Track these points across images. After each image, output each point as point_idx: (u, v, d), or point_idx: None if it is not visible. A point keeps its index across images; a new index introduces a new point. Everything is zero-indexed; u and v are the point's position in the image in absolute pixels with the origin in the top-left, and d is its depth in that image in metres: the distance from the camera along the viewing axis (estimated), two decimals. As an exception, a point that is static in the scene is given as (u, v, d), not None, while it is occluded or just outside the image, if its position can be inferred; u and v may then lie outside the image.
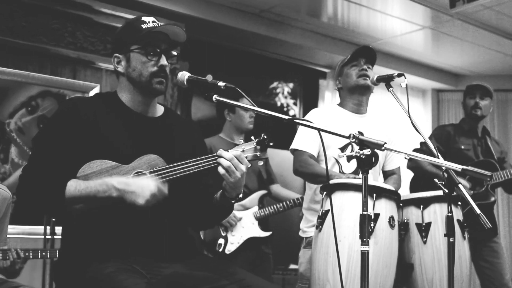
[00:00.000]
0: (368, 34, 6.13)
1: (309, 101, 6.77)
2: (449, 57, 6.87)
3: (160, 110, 2.37)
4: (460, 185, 2.44)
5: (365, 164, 2.08)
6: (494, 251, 3.97)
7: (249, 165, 2.16)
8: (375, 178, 3.25)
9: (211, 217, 2.43)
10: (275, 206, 4.11)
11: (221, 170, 2.12)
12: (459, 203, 2.94)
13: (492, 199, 3.92)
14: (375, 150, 2.06)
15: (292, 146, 3.24)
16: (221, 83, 2.15)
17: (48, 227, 3.73)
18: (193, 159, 2.13)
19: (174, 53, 2.29)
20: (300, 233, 3.30)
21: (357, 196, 2.60)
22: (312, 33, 6.15)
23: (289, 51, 6.29)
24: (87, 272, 2.01)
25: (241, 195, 2.25)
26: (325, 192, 2.78)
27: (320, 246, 2.67)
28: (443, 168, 2.42)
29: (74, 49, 4.51)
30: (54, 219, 3.65)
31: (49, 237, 3.67)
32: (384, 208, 2.67)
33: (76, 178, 2.07)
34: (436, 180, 2.59)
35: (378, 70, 3.25)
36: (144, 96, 2.26)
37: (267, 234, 4.11)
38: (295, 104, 6.89)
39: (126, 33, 2.25)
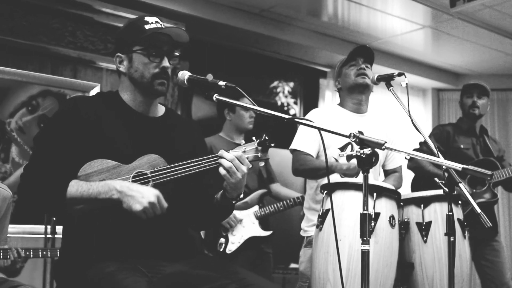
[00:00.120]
0: (368, 33, 6.13)
1: (310, 101, 6.77)
2: (450, 56, 6.87)
3: (161, 110, 2.37)
4: (460, 184, 2.44)
5: (365, 164, 2.08)
6: (495, 250, 3.97)
7: (250, 166, 2.16)
8: (375, 177, 3.25)
9: (211, 217, 2.43)
10: (275, 205, 4.12)
11: (222, 170, 2.12)
12: (460, 202, 2.94)
13: (494, 197, 3.92)
14: (375, 149, 2.06)
15: (292, 146, 3.25)
16: (221, 83, 2.15)
17: (48, 226, 3.74)
18: (194, 159, 2.13)
19: (176, 53, 2.29)
20: (301, 232, 3.31)
21: (358, 195, 2.61)
22: (313, 32, 6.16)
23: (290, 50, 6.29)
24: (88, 271, 2.01)
25: (241, 195, 2.25)
26: (325, 191, 2.79)
27: (320, 245, 2.67)
28: (444, 167, 2.42)
29: (75, 48, 4.51)
30: (54, 219, 3.65)
31: (50, 236, 3.67)
32: (385, 207, 2.67)
33: (77, 177, 2.07)
34: (436, 179, 2.59)
35: (378, 70, 3.26)
36: (146, 96, 2.26)
37: (268, 233, 4.11)
38: (295, 103, 6.90)
39: (129, 33, 2.24)
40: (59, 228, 3.60)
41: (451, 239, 2.47)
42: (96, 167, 2.08)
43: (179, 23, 4.71)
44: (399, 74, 2.82)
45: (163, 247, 2.15)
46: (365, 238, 2.07)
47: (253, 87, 6.48)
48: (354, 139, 2.06)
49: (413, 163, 4.02)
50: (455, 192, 2.53)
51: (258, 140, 2.19)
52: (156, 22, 2.24)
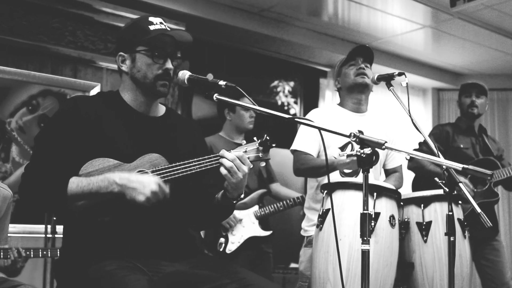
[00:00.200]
0: (368, 33, 6.13)
1: (310, 100, 6.77)
2: (450, 56, 6.87)
3: (161, 109, 2.37)
4: (460, 184, 2.44)
5: (365, 163, 2.08)
6: (495, 250, 3.97)
7: (251, 166, 2.16)
8: (376, 177, 3.25)
9: (212, 217, 2.43)
10: (275, 205, 4.12)
11: (223, 170, 2.12)
12: (460, 202, 2.94)
13: (495, 197, 3.92)
14: (376, 149, 2.06)
15: (293, 147, 3.25)
16: (221, 82, 2.15)
17: (49, 226, 3.73)
18: (195, 159, 2.13)
19: (179, 55, 2.29)
20: (302, 232, 3.31)
21: (358, 195, 2.61)
22: (313, 32, 6.16)
23: (290, 50, 6.29)
24: (89, 270, 2.01)
25: (242, 195, 2.25)
26: (325, 191, 2.79)
27: (320, 245, 2.67)
28: (444, 167, 2.42)
29: (75, 48, 4.51)
30: (55, 218, 3.65)
31: (50, 236, 3.67)
32: (385, 207, 2.67)
33: (78, 176, 2.07)
34: (436, 179, 2.59)
35: (378, 69, 3.26)
36: (147, 97, 2.27)
37: (268, 233, 4.11)
38: (295, 103, 6.89)
39: (132, 32, 2.24)
40: (59, 228, 3.60)
41: (451, 239, 2.47)
42: (97, 166, 2.08)
43: (179, 23, 4.71)
44: (399, 74, 2.82)
45: (163, 247, 2.15)
46: (365, 238, 2.07)
47: (253, 87, 6.48)
48: (354, 139, 2.06)
49: (413, 163, 4.02)
50: (455, 192, 2.53)
51: (259, 140, 2.19)
52: (161, 23, 2.24)
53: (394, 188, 2.80)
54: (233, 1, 5.42)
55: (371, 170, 2.12)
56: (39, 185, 2.06)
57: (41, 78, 4.38)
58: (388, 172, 3.38)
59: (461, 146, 4.08)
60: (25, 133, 4.30)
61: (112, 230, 2.08)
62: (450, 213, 2.49)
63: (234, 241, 3.95)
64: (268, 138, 2.18)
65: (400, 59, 6.86)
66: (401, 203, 2.88)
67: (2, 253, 3.01)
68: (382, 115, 3.43)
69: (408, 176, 4.04)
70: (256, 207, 4.09)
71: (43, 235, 3.76)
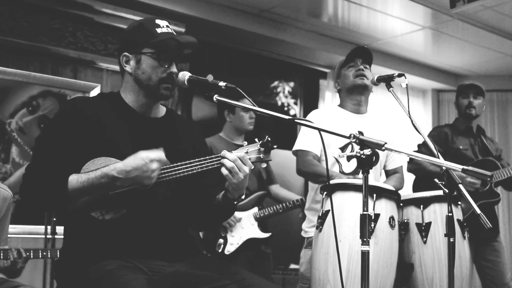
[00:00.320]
0: (368, 34, 6.13)
1: (310, 101, 6.78)
2: (449, 57, 6.88)
3: (162, 110, 2.37)
4: (460, 185, 2.45)
5: (365, 164, 2.08)
6: (496, 250, 3.96)
7: (253, 167, 2.17)
8: (376, 178, 3.25)
9: (212, 218, 2.43)
10: (274, 207, 4.12)
11: (224, 171, 2.12)
12: (459, 202, 2.94)
13: (496, 197, 3.93)
14: (376, 150, 2.07)
15: (295, 147, 3.25)
16: (221, 83, 2.15)
17: (49, 227, 3.73)
18: (196, 159, 2.14)
19: (183, 60, 2.31)
20: (302, 233, 3.31)
21: (357, 196, 2.61)
22: (313, 33, 6.16)
23: (290, 51, 6.30)
24: (89, 271, 2.02)
25: (243, 196, 2.25)
26: (325, 192, 2.79)
27: (320, 246, 2.67)
28: (443, 168, 2.43)
29: (75, 49, 4.51)
30: (55, 218, 3.65)
31: (50, 236, 3.67)
32: (384, 208, 2.68)
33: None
34: (436, 180, 2.59)
35: (378, 70, 3.27)
36: (149, 98, 2.27)
37: (267, 235, 4.11)
38: (295, 103, 6.90)
39: (139, 34, 2.24)
40: (59, 229, 3.60)
41: (451, 240, 2.47)
42: (99, 164, 2.09)
43: (180, 24, 4.72)
44: (399, 75, 2.83)
45: (163, 247, 2.15)
46: (365, 239, 2.07)
47: (253, 88, 6.48)
48: (354, 140, 2.06)
49: (413, 165, 4.02)
50: (455, 193, 2.53)
51: (260, 142, 2.19)
52: (167, 26, 2.25)
53: (393, 189, 2.80)
54: (234, 2, 5.43)
55: (371, 171, 2.13)
56: (40, 184, 2.07)
57: (41, 79, 4.37)
58: (388, 173, 3.38)
59: (460, 147, 4.09)
60: (25, 134, 4.30)
61: (112, 230, 2.08)
62: (450, 214, 2.49)
63: (233, 242, 3.95)
64: (269, 139, 2.19)
65: (400, 60, 6.86)
66: (401, 204, 2.88)
67: (2, 254, 3.01)
68: (382, 116, 3.43)
69: (409, 177, 4.05)
70: (255, 209, 4.09)
71: (43, 236, 3.76)
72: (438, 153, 2.60)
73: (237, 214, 4.00)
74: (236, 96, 2.51)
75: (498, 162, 4.04)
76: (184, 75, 2.23)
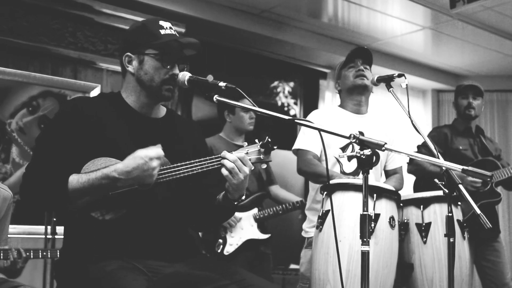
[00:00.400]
0: (368, 34, 6.13)
1: (310, 101, 6.78)
2: (449, 57, 6.88)
3: (162, 111, 2.38)
4: (460, 186, 2.45)
5: (365, 164, 2.08)
6: (496, 250, 3.96)
7: (253, 168, 2.17)
8: (377, 178, 3.25)
9: (212, 218, 2.43)
10: (274, 209, 4.12)
11: (224, 171, 2.12)
12: (459, 203, 2.94)
13: (497, 197, 3.93)
14: (376, 150, 2.07)
15: (295, 146, 3.26)
16: (221, 83, 2.15)
17: (49, 227, 3.73)
18: (197, 160, 2.14)
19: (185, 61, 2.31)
20: (303, 233, 3.31)
21: (358, 196, 2.61)
22: (313, 33, 6.16)
23: (290, 51, 6.30)
24: (89, 271, 2.02)
25: (243, 197, 2.26)
26: (325, 192, 2.79)
27: (320, 246, 2.67)
28: (443, 168, 2.43)
29: (75, 49, 4.52)
30: (55, 219, 3.65)
31: (50, 237, 3.67)
32: (385, 208, 2.68)
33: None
34: (436, 180, 2.60)
35: (378, 71, 3.27)
36: (151, 99, 2.28)
37: (266, 236, 4.10)
38: (295, 103, 6.90)
39: (142, 34, 2.24)
40: (59, 229, 3.60)
41: (451, 240, 2.47)
42: (99, 165, 2.09)
43: (180, 24, 4.72)
44: (399, 75, 2.83)
45: (163, 247, 2.15)
46: (365, 239, 2.07)
47: (253, 88, 6.49)
48: (354, 140, 2.06)
49: (413, 166, 4.02)
50: (455, 193, 2.53)
51: (261, 143, 2.19)
52: (170, 27, 2.26)
53: (393, 189, 2.80)
54: (233, 2, 5.43)
55: (371, 171, 2.13)
56: (40, 184, 2.07)
57: (41, 79, 4.38)
58: (388, 174, 3.38)
59: (460, 147, 4.09)
60: (25, 134, 4.30)
61: (112, 230, 2.09)
62: (450, 214, 2.49)
63: (232, 243, 3.95)
64: (269, 140, 2.19)
65: (400, 60, 6.86)
66: (401, 204, 2.89)
67: (2, 254, 3.01)
68: (382, 116, 3.44)
69: (409, 177, 4.05)
70: (255, 210, 4.09)
71: (43, 236, 3.76)
72: (438, 154, 2.60)
73: (237, 214, 3.99)
74: (236, 97, 2.51)
75: (498, 161, 4.04)
76: (184, 76, 2.24)
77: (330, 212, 2.54)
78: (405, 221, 2.87)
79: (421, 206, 2.86)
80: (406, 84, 2.69)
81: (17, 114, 4.28)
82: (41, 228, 3.85)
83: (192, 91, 5.55)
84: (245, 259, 3.98)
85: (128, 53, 2.25)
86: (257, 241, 4.06)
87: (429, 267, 2.77)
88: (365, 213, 2.09)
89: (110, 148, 2.13)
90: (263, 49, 6.21)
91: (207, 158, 2.15)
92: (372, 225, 2.58)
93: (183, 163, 2.13)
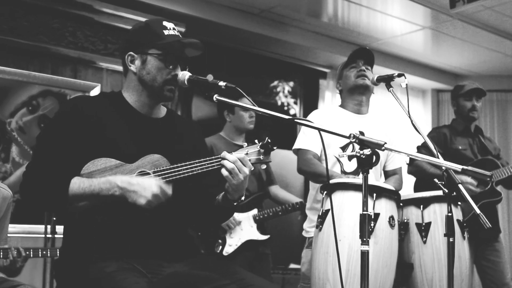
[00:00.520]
0: (368, 34, 6.14)
1: (309, 101, 6.78)
2: (449, 57, 6.88)
3: (163, 111, 2.38)
4: (460, 185, 2.45)
5: (365, 164, 2.08)
6: (496, 250, 3.97)
7: (253, 168, 2.17)
8: (377, 178, 3.26)
9: (212, 218, 2.44)
10: (274, 209, 4.11)
11: (224, 172, 2.13)
12: (459, 203, 2.94)
13: (498, 196, 3.93)
14: (376, 150, 2.07)
15: (296, 146, 3.26)
16: (221, 83, 2.15)
17: (48, 226, 3.73)
18: (197, 160, 2.14)
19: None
20: (303, 233, 3.32)
21: (357, 196, 2.61)
22: (312, 33, 6.16)
23: (289, 51, 6.30)
24: (88, 271, 2.02)
25: (243, 198, 2.26)
26: (325, 192, 2.79)
27: (320, 246, 2.67)
28: (443, 168, 2.43)
29: (75, 48, 4.52)
30: (55, 218, 3.66)
31: (50, 236, 3.67)
32: (384, 207, 2.68)
33: (80, 175, 2.08)
34: (436, 180, 2.60)
35: (378, 70, 3.27)
36: (152, 99, 2.28)
37: (265, 237, 4.09)
38: (295, 103, 6.90)
39: (146, 35, 2.25)
40: (59, 228, 3.60)
41: (451, 240, 2.47)
42: (99, 165, 2.09)
43: (180, 24, 4.72)
44: (399, 75, 2.83)
45: (163, 247, 2.15)
46: (364, 239, 2.07)
47: (253, 87, 6.49)
48: (354, 140, 2.06)
49: (413, 167, 4.02)
50: (455, 193, 2.53)
51: (260, 143, 2.19)
52: (173, 28, 2.27)
53: (393, 189, 2.80)
54: (233, 2, 5.43)
55: (372, 171, 2.13)
56: (41, 184, 2.07)
57: (41, 78, 4.38)
58: (387, 174, 3.38)
59: (459, 147, 4.09)
60: (25, 134, 4.30)
61: (112, 231, 2.09)
62: (450, 214, 2.49)
63: (232, 243, 3.95)
64: (269, 140, 2.19)
65: (400, 60, 6.86)
66: (401, 204, 2.89)
67: (1, 253, 3.01)
68: (383, 116, 3.44)
69: (409, 178, 4.05)
70: (255, 211, 4.09)
71: (43, 235, 3.76)
72: (438, 154, 2.60)
73: (237, 217, 3.99)
74: (236, 96, 2.51)
75: (497, 161, 4.05)
76: (184, 75, 2.24)
77: (330, 211, 2.54)
78: (405, 221, 2.87)
79: (421, 206, 2.86)
80: (406, 84, 2.69)
81: (17, 113, 4.28)
82: (40, 227, 3.85)
83: (192, 90, 5.55)
84: (245, 259, 3.98)
85: (131, 53, 2.25)
86: (256, 241, 4.05)
87: (429, 267, 2.77)
88: (364, 212, 2.09)
89: (110, 148, 2.13)
90: (263, 48, 6.21)
91: (207, 158, 2.15)
92: (372, 224, 2.58)
93: (183, 164, 2.13)
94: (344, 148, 3.15)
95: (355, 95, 3.30)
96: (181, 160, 2.14)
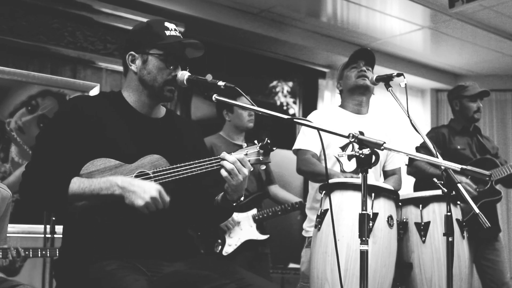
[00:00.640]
0: (367, 34, 6.14)
1: (309, 101, 6.78)
2: (448, 57, 6.88)
3: (162, 111, 2.38)
4: (459, 185, 2.45)
5: (364, 164, 2.08)
6: (496, 250, 3.97)
7: (252, 169, 2.18)
8: (376, 178, 3.26)
9: (211, 218, 2.44)
10: (273, 209, 4.11)
11: (223, 172, 2.13)
12: (458, 202, 2.94)
13: (498, 195, 3.93)
14: (375, 149, 2.07)
15: (295, 146, 3.27)
16: (220, 83, 2.16)
17: (48, 226, 3.74)
18: (196, 161, 2.14)
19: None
20: (303, 233, 3.32)
21: (356, 196, 2.61)
22: (312, 33, 6.16)
23: (289, 51, 6.30)
24: (88, 270, 2.02)
25: (242, 198, 2.26)
26: (324, 191, 2.79)
27: (319, 245, 2.67)
28: (442, 167, 2.43)
29: (74, 48, 4.52)
30: (54, 218, 3.66)
31: (49, 236, 3.68)
32: (383, 207, 2.68)
33: (79, 175, 2.08)
34: (435, 179, 2.60)
35: (377, 70, 3.27)
36: (152, 99, 2.28)
37: (265, 237, 4.10)
38: (294, 103, 6.91)
39: (147, 35, 2.26)
40: (58, 228, 3.61)
41: (450, 239, 2.48)
42: (98, 165, 2.09)
43: (179, 24, 4.72)
44: (398, 75, 2.83)
45: (163, 247, 2.16)
46: (363, 238, 2.07)
47: (252, 87, 6.49)
48: (353, 139, 2.06)
49: (412, 168, 4.02)
50: (454, 193, 2.53)
51: (260, 144, 2.20)
52: (175, 29, 2.27)
53: (392, 188, 2.80)
54: (233, 2, 5.43)
55: (371, 171, 2.13)
56: (40, 184, 2.07)
57: (41, 78, 4.38)
58: (387, 174, 3.38)
59: (458, 147, 4.10)
60: (24, 133, 4.30)
61: (111, 230, 2.09)
62: (449, 213, 2.49)
63: (231, 243, 3.95)
64: (269, 141, 2.20)
65: (399, 60, 6.87)
66: (400, 204, 2.89)
67: (1, 253, 3.01)
68: (382, 117, 3.44)
69: (409, 178, 4.05)
70: (254, 210, 4.09)
71: (42, 235, 3.76)
72: (437, 153, 2.60)
73: (236, 217, 3.99)
74: (235, 96, 2.51)
75: (496, 159, 4.05)
76: (183, 75, 2.24)
77: (329, 211, 2.55)
78: (404, 220, 2.87)
79: (420, 206, 2.86)
80: (405, 84, 2.69)
81: (16, 113, 4.29)
82: (40, 227, 3.86)
83: (191, 90, 5.55)
84: (244, 259, 3.98)
85: (132, 52, 2.26)
86: (256, 241, 4.05)
87: (428, 266, 2.77)
88: (363, 212, 2.09)
89: (110, 148, 2.13)
90: (262, 48, 6.21)
91: (207, 159, 2.16)
92: (370, 224, 2.58)
93: (182, 164, 2.13)
94: (344, 148, 3.16)
95: (356, 95, 3.30)
96: (180, 160, 2.15)
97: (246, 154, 2.18)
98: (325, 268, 2.59)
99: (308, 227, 3.27)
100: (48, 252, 3.25)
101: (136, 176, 2.12)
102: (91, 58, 4.60)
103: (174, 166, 2.13)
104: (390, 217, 2.67)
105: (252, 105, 2.21)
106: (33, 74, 4.34)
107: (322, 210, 2.72)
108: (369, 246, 2.11)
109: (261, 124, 4.39)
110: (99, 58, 4.62)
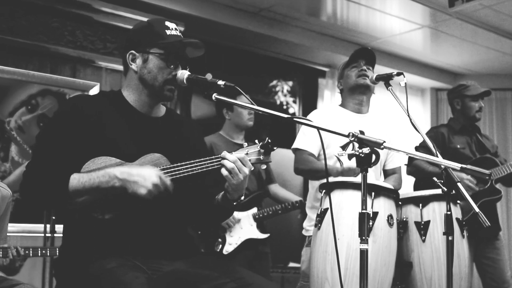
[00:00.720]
0: (367, 33, 6.14)
1: (308, 100, 6.78)
2: (448, 56, 6.88)
3: (162, 110, 2.39)
4: (459, 184, 2.45)
5: (364, 163, 2.08)
6: (496, 248, 3.97)
7: (252, 168, 2.18)
8: (377, 177, 3.26)
9: (211, 218, 2.44)
10: (274, 208, 4.12)
11: (224, 171, 2.13)
12: (458, 201, 2.95)
13: (498, 194, 3.93)
14: (376, 149, 2.07)
15: (294, 145, 3.28)
16: (220, 82, 2.16)
17: (48, 225, 3.74)
18: (197, 160, 2.14)
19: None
20: (303, 232, 3.32)
21: (356, 195, 2.62)
22: (312, 32, 6.16)
23: (289, 50, 6.30)
24: (89, 269, 2.02)
25: (242, 197, 2.26)
26: (324, 191, 2.79)
27: (319, 244, 2.68)
28: (442, 166, 2.43)
29: (74, 47, 4.52)
30: (54, 217, 3.66)
31: (49, 235, 3.68)
32: (383, 206, 2.68)
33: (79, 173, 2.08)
34: (435, 178, 2.60)
35: (377, 69, 3.27)
36: (152, 98, 2.28)
37: (265, 236, 4.10)
38: (294, 102, 6.90)
39: (148, 34, 2.26)
40: (58, 227, 3.61)
41: (450, 238, 2.48)
42: (99, 164, 2.09)
43: (179, 23, 4.71)
44: (398, 74, 2.83)
45: (163, 246, 2.16)
46: (363, 237, 2.07)
47: (252, 86, 6.49)
48: (353, 139, 2.06)
49: (412, 167, 4.02)
50: (454, 192, 2.54)
51: (260, 143, 2.20)
52: (175, 29, 2.28)
53: (392, 187, 2.80)
54: (232, 1, 5.43)
55: (371, 170, 2.13)
56: (41, 183, 2.07)
57: (40, 77, 4.38)
58: (387, 173, 3.38)
59: (458, 146, 4.10)
60: (24, 133, 4.30)
61: (112, 229, 2.09)
62: (449, 212, 2.50)
63: (232, 242, 3.95)
64: (270, 140, 2.20)
65: (399, 59, 6.86)
66: (400, 203, 2.89)
67: (1, 252, 3.01)
68: (383, 116, 3.44)
69: (409, 177, 4.05)
70: (254, 209, 4.09)
71: (42, 234, 3.77)
72: (437, 152, 2.60)
73: (236, 214, 3.99)
74: (235, 95, 2.51)
75: (496, 158, 4.05)
76: (183, 74, 2.24)
77: (329, 210, 2.55)
78: (404, 219, 2.87)
79: (420, 205, 2.86)
80: (405, 83, 2.70)
81: (16, 112, 4.29)
82: (40, 227, 3.86)
83: (191, 89, 5.55)
84: (244, 258, 3.99)
85: (133, 51, 2.26)
86: (256, 240, 4.06)
87: (428, 265, 2.77)
88: (363, 211, 2.09)
89: (110, 147, 2.13)
90: (262, 47, 6.21)
91: (207, 158, 2.16)
92: (370, 223, 2.58)
93: (183, 163, 2.13)
94: (344, 147, 3.15)
95: (356, 95, 3.30)
96: (181, 159, 2.15)
97: (247, 153, 2.18)
98: (325, 267, 2.60)
99: (308, 226, 3.27)
100: (48, 251, 3.25)
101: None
102: (91, 57, 4.60)
103: (175, 165, 2.14)
104: (390, 216, 2.68)
105: (252, 104, 2.20)
106: (33, 73, 4.34)
107: (322, 209, 2.72)
108: (369, 245, 2.11)
109: (261, 124, 4.39)
110: (99, 57, 4.62)
